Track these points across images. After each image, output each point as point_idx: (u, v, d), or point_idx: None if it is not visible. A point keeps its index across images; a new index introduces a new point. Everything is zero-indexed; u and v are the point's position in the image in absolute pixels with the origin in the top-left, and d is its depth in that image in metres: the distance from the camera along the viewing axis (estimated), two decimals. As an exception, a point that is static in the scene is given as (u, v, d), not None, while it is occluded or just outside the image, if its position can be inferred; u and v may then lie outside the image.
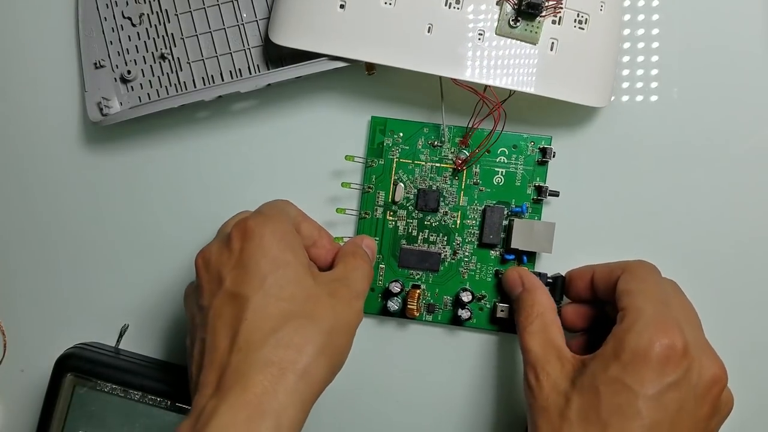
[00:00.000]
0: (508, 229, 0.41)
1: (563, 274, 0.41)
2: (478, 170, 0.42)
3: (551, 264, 0.42)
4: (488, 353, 0.43)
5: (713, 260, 0.42)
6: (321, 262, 0.39)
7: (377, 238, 0.42)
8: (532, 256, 0.42)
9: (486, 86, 0.38)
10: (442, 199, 0.42)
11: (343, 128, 0.43)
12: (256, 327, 0.33)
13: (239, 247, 0.35)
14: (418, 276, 0.42)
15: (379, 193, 0.42)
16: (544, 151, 0.41)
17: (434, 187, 0.42)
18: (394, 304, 0.41)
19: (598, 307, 0.39)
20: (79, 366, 0.42)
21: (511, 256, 0.41)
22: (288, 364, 0.32)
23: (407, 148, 0.42)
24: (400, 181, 0.42)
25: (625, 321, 0.33)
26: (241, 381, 0.31)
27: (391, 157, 0.42)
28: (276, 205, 0.38)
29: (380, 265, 0.42)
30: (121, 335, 0.45)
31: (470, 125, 0.40)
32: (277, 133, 0.44)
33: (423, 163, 0.42)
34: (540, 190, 0.41)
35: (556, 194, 0.41)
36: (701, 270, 0.42)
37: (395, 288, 0.41)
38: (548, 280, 0.41)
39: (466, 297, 0.41)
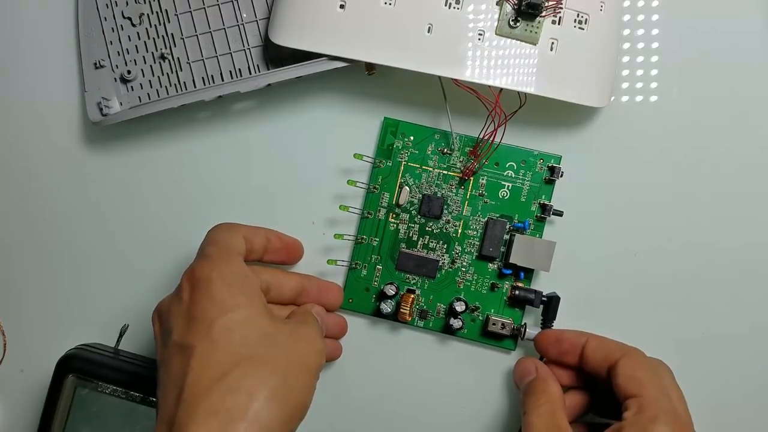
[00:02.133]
0: (509, 244, 0.41)
1: (557, 293, 0.41)
2: (484, 182, 0.42)
3: (548, 283, 0.42)
4: (477, 365, 0.43)
5: (713, 261, 0.42)
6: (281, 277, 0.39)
7: (377, 239, 0.42)
8: (529, 273, 0.42)
9: (496, 95, 0.38)
10: (445, 206, 0.42)
11: (343, 129, 0.43)
12: (201, 376, 0.31)
13: (188, 297, 0.34)
14: (414, 281, 0.42)
15: (383, 194, 0.42)
16: (552, 170, 0.41)
17: (439, 194, 0.42)
18: (387, 307, 0.41)
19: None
20: (81, 367, 0.42)
21: (509, 271, 0.41)
22: (237, 412, 0.30)
23: (417, 152, 0.42)
24: (406, 185, 0.42)
25: (646, 411, 0.34)
26: None
27: (400, 159, 0.42)
28: (221, 240, 0.37)
29: (377, 267, 0.42)
30: (121, 335, 0.45)
31: (481, 135, 0.40)
32: (278, 133, 0.44)
33: (431, 169, 0.42)
34: (544, 208, 0.41)
35: (560, 214, 0.41)
36: (700, 270, 0.42)
37: (390, 290, 0.41)
38: (543, 298, 0.41)
39: (459, 307, 0.41)
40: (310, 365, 0.34)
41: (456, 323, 0.41)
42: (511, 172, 0.42)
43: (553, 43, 0.38)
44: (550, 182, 0.41)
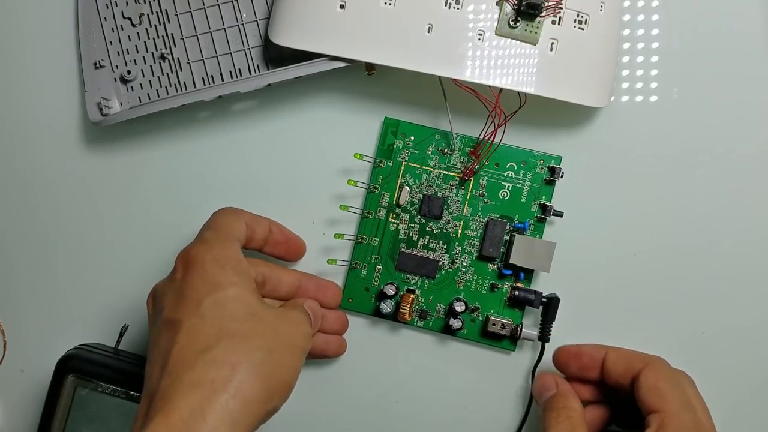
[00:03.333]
0: (509, 244, 0.41)
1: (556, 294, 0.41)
2: (484, 182, 0.42)
3: (547, 283, 0.42)
4: (476, 365, 0.43)
5: (714, 260, 0.42)
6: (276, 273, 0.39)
7: (377, 239, 0.42)
8: (529, 274, 0.42)
9: (496, 95, 0.38)
10: (446, 207, 0.42)
11: (344, 129, 0.43)
12: (187, 348, 0.32)
13: (180, 277, 0.35)
14: (414, 281, 0.42)
15: (384, 194, 0.42)
16: (552, 170, 0.41)
17: (439, 195, 0.42)
18: (387, 307, 0.41)
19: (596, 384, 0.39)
20: (81, 367, 0.42)
21: (509, 271, 0.41)
22: (220, 383, 0.31)
23: (417, 152, 0.42)
24: (407, 185, 0.42)
25: (667, 428, 0.34)
26: (167, 406, 0.30)
27: (400, 159, 0.42)
28: (222, 225, 0.37)
29: (377, 266, 0.42)
30: (121, 335, 0.45)
31: (481, 136, 0.40)
32: (278, 133, 0.44)
33: (431, 169, 0.42)
34: (544, 209, 0.41)
35: (560, 214, 0.41)
36: (701, 270, 0.42)
37: (390, 290, 0.41)
38: (543, 299, 0.41)
39: (459, 307, 0.41)
40: (296, 345, 0.35)
41: (456, 323, 0.41)
42: (511, 172, 0.42)
43: (553, 43, 0.38)
44: (551, 183, 0.41)
